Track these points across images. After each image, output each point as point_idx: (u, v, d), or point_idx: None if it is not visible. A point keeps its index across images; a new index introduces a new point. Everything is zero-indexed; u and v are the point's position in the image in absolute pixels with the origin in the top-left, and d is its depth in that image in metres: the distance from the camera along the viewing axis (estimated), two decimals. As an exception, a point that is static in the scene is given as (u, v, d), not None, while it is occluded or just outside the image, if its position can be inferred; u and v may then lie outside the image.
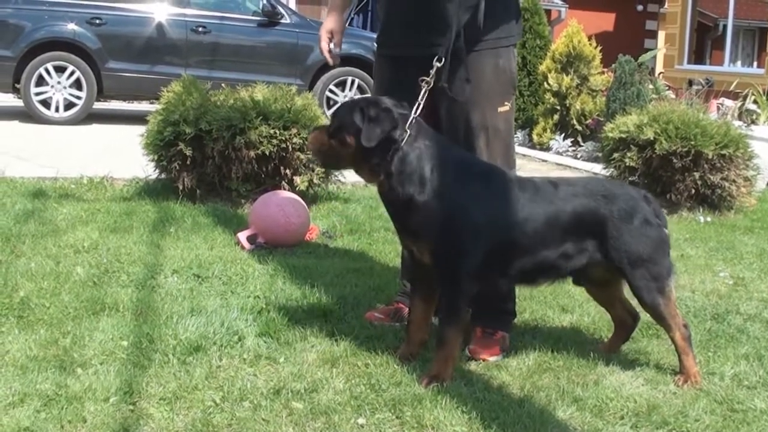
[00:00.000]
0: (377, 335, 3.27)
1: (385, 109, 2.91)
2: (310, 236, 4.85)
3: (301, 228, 4.74)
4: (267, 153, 5.39)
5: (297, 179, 5.51)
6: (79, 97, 9.73)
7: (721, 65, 16.90)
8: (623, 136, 6.38)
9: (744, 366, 3.15)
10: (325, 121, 5.77)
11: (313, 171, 5.60)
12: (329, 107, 10.12)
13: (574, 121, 9.24)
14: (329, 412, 2.62)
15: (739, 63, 20.72)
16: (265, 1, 10.41)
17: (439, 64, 3.10)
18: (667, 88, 10.57)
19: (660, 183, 6.26)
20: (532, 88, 10.01)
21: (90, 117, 9.95)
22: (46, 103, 9.67)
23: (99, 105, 10.58)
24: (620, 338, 3.31)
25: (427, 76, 3.08)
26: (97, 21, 9.75)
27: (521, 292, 3.63)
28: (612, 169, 6.55)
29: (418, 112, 2.98)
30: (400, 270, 3.68)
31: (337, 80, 10.30)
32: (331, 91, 10.34)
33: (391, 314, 3.49)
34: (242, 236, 4.59)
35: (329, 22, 3.55)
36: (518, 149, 8.77)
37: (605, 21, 21.06)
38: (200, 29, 10.07)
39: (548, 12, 17.91)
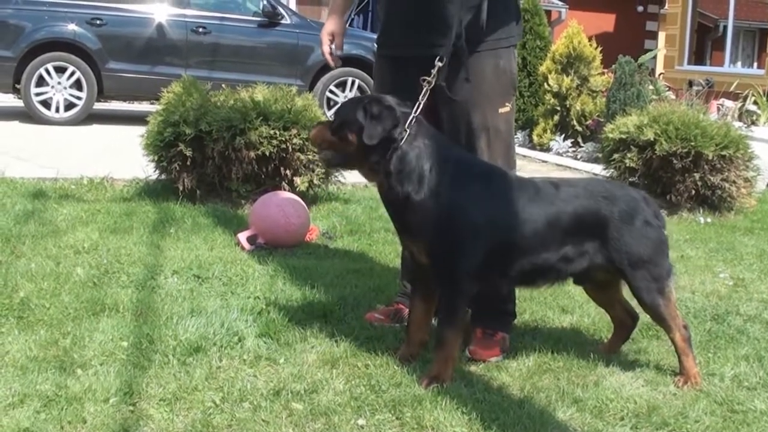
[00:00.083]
0: (377, 336, 3.27)
1: (387, 107, 2.91)
2: (310, 237, 4.85)
3: (301, 229, 4.74)
4: (267, 154, 5.39)
5: (297, 180, 5.51)
6: (79, 98, 9.73)
7: (722, 66, 16.91)
8: (623, 136, 6.38)
9: (744, 367, 3.15)
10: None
11: (313, 172, 5.60)
12: (329, 108, 10.12)
13: (575, 122, 9.24)
14: (329, 413, 2.62)
15: (739, 64, 20.72)
16: (265, 2, 10.41)
17: (440, 64, 3.10)
18: (667, 88, 10.58)
19: (660, 184, 6.26)
20: (533, 89, 10.01)
21: (90, 117, 9.95)
22: (46, 104, 9.67)
23: (99, 105, 10.58)
24: (620, 339, 3.31)
25: (428, 76, 3.08)
26: (98, 21, 9.75)
27: (521, 293, 3.63)
28: (612, 170, 6.55)
29: (418, 111, 2.98)
30: (400, 271, 3.68)
31: (337, 81, 10.31)
32: (331, 91, 10.34)
33: (391, 315, 3.49)
34: (242, 237, 4.59)
35: (330, 24, 3.56)
36: (518, 150, 8.78)
37: (605, 22, 21.06)
38: (200, 30, 10.07)
39: (548, 13, 17.91)
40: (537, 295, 3.85)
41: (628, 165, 6.30)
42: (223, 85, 6.00)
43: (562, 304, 3.80)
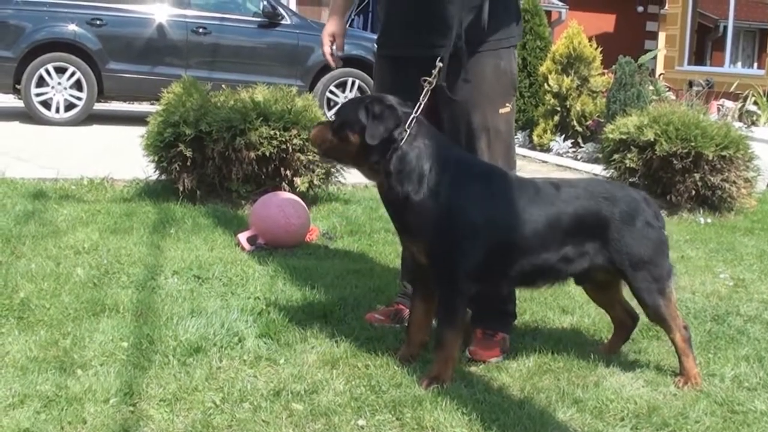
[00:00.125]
0: (377, 336, 3.27)
1: (389, 106, 2.91)
2: (311, 237, 4.85)
3: (302, 229, 4.74)
4: (267, 154, 5.39)
5: (297, 180, 5.51)
6: (79, 98, 9.73)
7: (722, 66, 16.91)
8: (623, 137, 6.38)
9: (744, 367, 3.15)
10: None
11: (313, 172, 5.60)
12: (330, 108, 10.12)
13: (575, 123, 9.23)
14: (329, 414, 2.62)
15: (739, 64, 20.72)
16: (265, 2, 10.41)
17: (441, 65, 3.10)
18: (667, 89, 10.58)
19: (660, 184, 6.26)
20: (533, 90, 10.01)
21: (90, 118, 9.95)
22: (46, 104, 9.67)
23: (99, 106, 10.58)
24: (620, 339, 3.31)
25: (428, 77, 3.08)
26: (98, 22, 9.75)
27: (521, 293, 3.63)
28: (612, 171, 6.55)
29: (419, 111, 2.97)
30: (401, 271, 3.68)
31: (337, 81, 10.31)
32: (331, 92, 10.34)
33: (391, 315, 3.49)
34: (242, 237, 4.59)
35: (330, 25, 3.56)
36: (519, 150, 8.78)
37: (606, 22, 21.06)
38: (201, 30, 10.07)
39: (548, 13, 17.92)
40: (537, 296, 3.85)
41: (628, 165, 6.30)
42: (224, 86, 6.00)
43: (563, 305, 3.80)
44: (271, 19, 10.35)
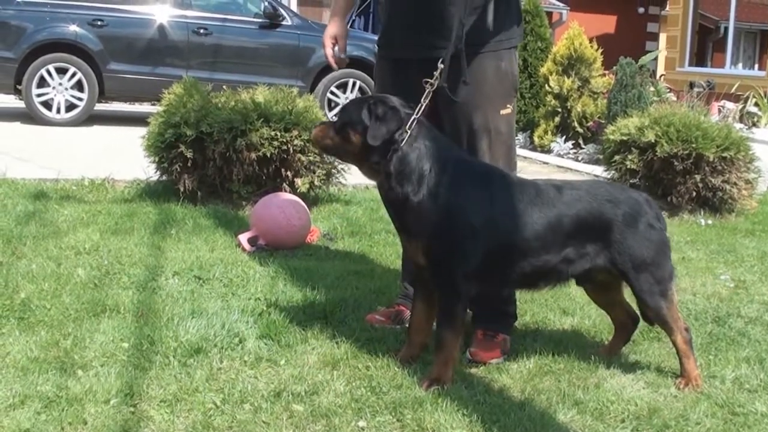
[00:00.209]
0: (378, 338, 3.27)
1: (392, 107, 2.92)
2: (311, 238, 4.85)
3: (302, 230, 4.74)
4: (268, 155, 5.39)
5: (298, 181, 5.52)
6: (80, 99, 9.73)
7: (723, 68, 16.91)
8: (624, 138, 6.38)
9: (745, 369, 3.15)
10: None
11: (314, 173, 5.60)
12: (330, 109, 10.13)
13: (575, 124, 9.23)
14: (330, 415, 2.62)
15: (740, 65, 20.72)
16: (266, 3, 10.41)
17: (442, 66, 3.10)
18: (668, 90, 10.58)
19: (661, 185, 6.26)
20: (533, 91, 10.01)
21: (91, 118, 9.95)
22: (47, 105, 9.67)
23: (100, 106, 10.58)
24: (620, 340, 3.31)
25: (428, 78, 3.08)
26: (99, 23, 9.76)
27: (522, 294, 3.62)
28: (613, 172, 6.55)
29: (420, 112, 2.97)
30: (401, 272, 3.68)
31: (338, 82, 10.31)
32: (332, 93, 10.35)
33: (392, 317, 3.49)
34: (243, 238, 4.59)
35: (332, 27, 3.56)
36: (519, 151, 8.78)
37: (606, 23, 21.07)
38: (202, 31, 10.07)
39: (549, 14, 17.93)
40: (538, 297, 3.85)
41: (629, 167, 6.30)
42: (224, 87, 6.00)
43: (563, 306, 3.80)
44: (272, 20, 10.35)
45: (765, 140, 7.90)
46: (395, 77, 3.36)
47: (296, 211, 4.72)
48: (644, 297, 3.01)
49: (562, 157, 9.14)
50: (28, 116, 9.69)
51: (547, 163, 8.90)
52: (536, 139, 9.60)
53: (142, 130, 5.82)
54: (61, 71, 9.65)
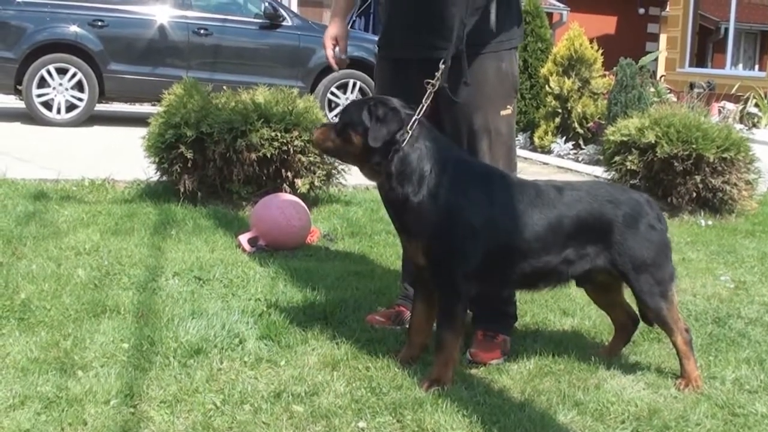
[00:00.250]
0: (378, 338, 3.27)
1: (392, 109, 2.92)
2: (311, 239, 4.85)
3: (302, 231, 4.74)
4: (268, 155, 5.39)
5: (298, 182, 5.51)
6: (80, 99, 9.73)
7: (723, 68, 16.92)
8: (624, 139, 6.38)
9: (745, 370, 3.15)
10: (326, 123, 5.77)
11: (314, 174, 5.60)
12: (331, 110, 10.14)
13: (576, 124, 9.23)
14: (330, 416, 2.62)
15: (740, 66, 20.73)
16: (266, 4, 10.42)
17: (444, 66, 3.10)
18: (668, 91, 10.59)
19: (661, 186, 6.26)
20: (534, 91, 10.00)
21: (91, 119, 9.95)
22: (47, 105, 9.67)
23: (100, 107, 10.58)
24: (620, 341, 3.31)
25: (428, 79, 3.08)
26: (99, 23, 9.76)
27: (522, 295, 3.62)
28: (613, 173, 6.55)
29: (421, 113, 2.98)
30: (401, 273, 3.68)
31: (338, 83, 10.31)
32: (332, 93, 10.35)
33: (392, 317, 3.49)
34: (243, 239, 4.59)
35: (333, 28, 3.56)
36: (519, 152, 8.78)
37: (607, 24, 21.08)
38: (202, 31, 10.07)
39: (550, 15, 17.93)
40: (538, 298, 3.85)
41: (629, 167, 6.30)
42: (225, 87, 6.00)
43: (563, 307, 3.80)
44: (272, 21, 10.35)
45: (765, 141, 7.91)
46: (395, 78, 3.36)
47: (296, 212, 4.72)
48: (644, 298, 3.01)
49: (563, 158, 9.14)
50: (29, 116, 9.69)
51: (548, 164, 8.90)
52: (536, 140, 9.60)
53: (142, 131, 5.82)
54: (62, 71, 9.65)
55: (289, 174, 5.51)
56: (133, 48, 9.90)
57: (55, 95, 9.67)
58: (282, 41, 10.37)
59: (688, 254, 5.01)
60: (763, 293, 4.25)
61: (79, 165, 6.63)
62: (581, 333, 3.54)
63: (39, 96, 9.61)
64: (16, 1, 9.63)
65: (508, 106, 3.35)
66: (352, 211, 5.69)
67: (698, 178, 6.15)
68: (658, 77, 13.93)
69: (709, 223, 6.07)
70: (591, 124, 9.18)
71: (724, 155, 6.14)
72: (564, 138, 9.32)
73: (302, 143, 5.44)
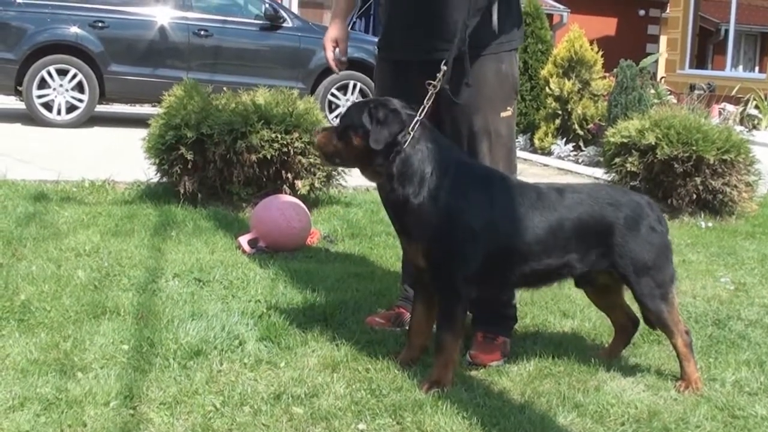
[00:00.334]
0: (378, 340, 3.27)
1: (393, 110, 2.92)
2: (312, 240, 4.85)
3: (303, 232, 4.74)
4: (268, 157, 5.39)
5: (298, 183, 5.51)
6: (81, 100, 9.73)
7: (723, 70, 16.92)
8: (625, 140, 6.38)
9: (745, 372, 3.15)
10: (326, 125, 5.77)
11: (314, 175, 5.60)
12: (331, 111, 10.14)
13: (576, 126, 9.23)
14: (330, 418, 2.62)
15: (740, 68, 20.73)
16: (267, 5, 10.42)
17: (445, 68, 3.10)
18: (668, 92, 10.59)
19: (661, 188, 6.26)
20: (534, 93, 10.01)
21: (92, 120, 9.95)
22: (48, 106, 9.67)
23: (101, 108, 10.58)
24: (621, 343, 3.31)
25: (428, 80, 3.08)
26: (100, 24, 9.76)
27: (522, 297, 3.62)
28: (613, 174, 6.55)
29: (423, 115, 2.97)
30: (402, 275, 3.67)
31: (339, 84, 10.31)
32: (333, 95, 10.35)
33: (392, 319, 3.49)
34: (243, 240, 4.59)
35: (333, 30, 3.56)
36: (520, 154, 8.78)
37: (607, 25, 21.09)
38: (202, 33, 10.08)
39: (550, 16, 17.94)
40: (538, 300, 3.85)
41: (629, 169, 6.30)
42: (225, 88, 6.00)
43: (563, 309, 3.80)
44: (272, 22, 10.36)
45: (765, 143, 7.90)
46: (395, 79, 3.36)
47: (296, 214, 4.72)
48: (645, 300, 3.01)
49: (563, 160, 9.14)
50: (29, 117, 9.69)
51: (548, 166, 8.90)
52: (537, 142, 9.60)
53: (142, 132, 5.82)
54: (62, 73, 9.65)
55: (289, 175, 5.51)
56: (134, 49, 9.90)
57: (56, 96, 9.67)
58: (282, 42, 10.38)
59: (688, 256, 5.01)
60: (763, 295, 4.25)
61: (80, 166, 6.63)
62: (581, 335, 3.54)
63: (39, 97, 9.61)
64: (16, 2, 9.64)
65: (508, 108, 3.35)
66: (352, 213, 5.69)
67: (698, 180, 6.15)
68: (658, 79, 13.93)
69: (710, 224, 6.07)
70: (591, 125, 9.19)
71: (725, 157, 6.14)
72: (564, 139, 9.32)
73: (302, 145, 5.45)
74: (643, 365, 3.21)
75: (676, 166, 6.11)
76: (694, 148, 6.07)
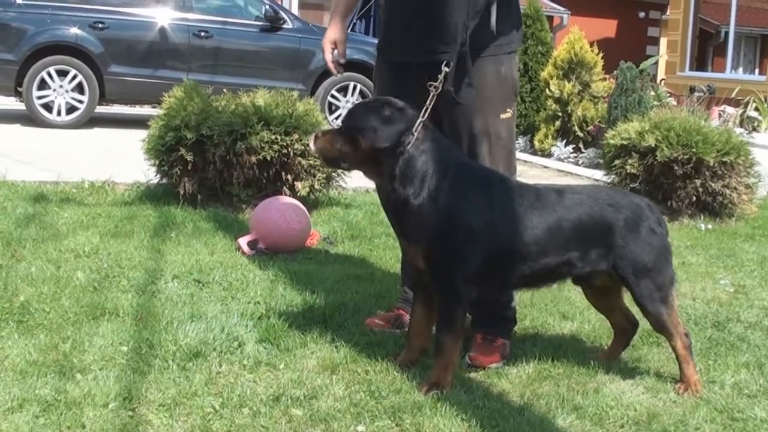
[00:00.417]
0: (377, 342, 3.27)
1: (399, 108, 2.92)
2: (311, 242, 4.85)
3: (302, 234, 4.74)
4: (268, 158, 5.39)
5: (298, 184, 5.51)
6: (81, 101, 9.73)
7: (723, 72, 16.92)
8: (624, 143, 6.38)
9: (744, 374, 3.14)
10: (326, 126, 5.78)
11: (314, 177, 5.60)
12: (331, 112, 10.14)
13: (576, 128, 9.23)
14: (329, 419, 2.61)
15: (740, 70, 20.73)
16: (267, 6, 10.42)
17: (447, 69, 3.10)
18: (668, 95, 10.59)
19: (661, 190, 6.26)
20: (534, 95, 10.01)
21: (92, 121, 9.95)
22: (48, 107, 9.67)
23: (101, 109, 10.58)
24: (620, 345, 3.31)
25: (428, 82, 3.08)
26: (100, 25, 9.76)
27: (521, 299, 3.62)
28: (613, 176, 6.55)
29: (425, 116, 2.97)
30: (401, 276, 3.67)
31: (339, 85, 10.31)
32: (333, 96, 10.35)
33: (391, 321, 3.49)
34: (243, 241, 4.59)
35: (332, 31, 3.55)
36: (520, 155, 8.78)
37: (607, 27, 21.10)
38: (203, 34, 10.08)
39: (550, 18, 17.96)
40: (537, 301, 3.85)
41: (629, 171, 6.30)
42: (225, 90, 6.00)
43: (563, 311, 3.80)
44: (273, 23, 10.36)
45: (765, 145, 7.91)
46: (395, 81, 3.35)
47: (296, 215, 4.72)
48: (644, 303, 3.01)
49: (563, 161, 9.14)
50: (29, 118, 9.70)
51: (548, 167, 8.90)
52: (536, 143, 9.61)
53: (142, 133, 5.83)
54: (62, 73, 9.65)
55: (289, 177, 5.51)
56: (134, 50, 9.91)
57: (56, 97, 9.67)
58: (282, 44, 10.38)
59: (687, 258, 5.01)
60: (763, 297, 4.25)
61: (79, 167, 6.63)
62: (580, 337, 3.54)
63: (39, 98, 9.61)
64: (16, 3, 9.64)
65: (508, 110, 3.35)
66: (352, 214, 5.68)
67: (698, 182, 6.15)
68: (658, 81, 13.94)
69: (709, 227, 6.07)
70: (591, 127, 9.19)
71: (724, 159, 6.14)
72: (564, 141, 9.32)
73: (302, 146, 5.44)
74: (643, 367, 3.21)
75: (675, 168, 6.11)
76: (693, 150, 6.07)
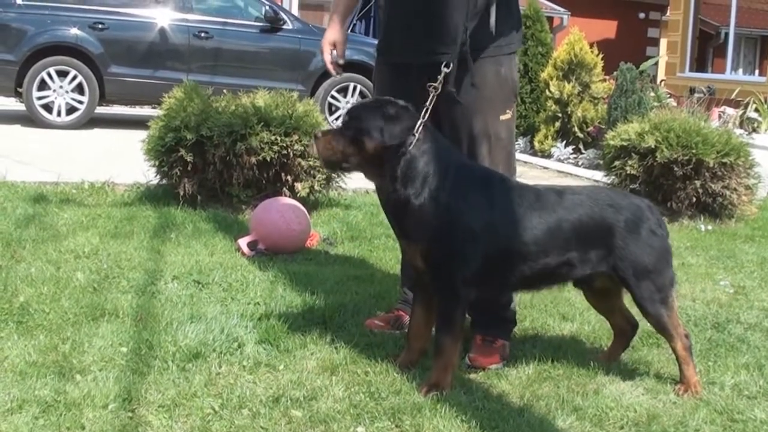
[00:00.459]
0: (377, 343, 3.26)
1: (403, 107, 2.92)
2: (311, 243, 4.85)
3: (302, 234, 4.74)
4: (268, 159, 5.39)
5: (298, 185, 5.52)
6: (81, 102, 9.73)
7: (723, 73, 16.92)
8: (624, 143, 6.38)
9: (744, 376, 3.14)
10: (326, 127, 5.77)
11: (314, 177, 5.60)
12: (331, 113, 10.14)
13: (576, 129, 9.24)
14: (328, 421, 2.61)
15: (740, 71, 20.73)
16: (267, 7, 10.43)
17: (447, 70, 3.10)
18: (668, 96, 10.59)
19: (661, 191, 6.26)
20: (534, 96, 10.01)
21: (92, 121, 9.95)
22: (48, 108, 9.67)
23: (101, 109, 10.58)
24: (619, 347, 3.30)
25: (428, 83, 3.08)
26: (100, 26, 9.77)
27: (521, 300, 3.62)
28: (613, 177, 6.55)
29: (426, 117, 2.97)
30: (401, 277, 3.67)
31: (339, 86, 10.31)
32: (333, 97, 10.35)
33: (391, 322, 3.49)
34: (243, 242, 4.59)
35: (331, 32, 3.55)
36: (519, 156, 8.78)
37: (607, 28, 21.10)
38: (203, 34, 10.08)
39: (550, 19, 17.96)
40: (537, 303, 3.85)
41: (629, 172, 6.30)
42: (225, 90, 6.00)
43: (563, 312, 3.80)
44: (272, 24, 10.36)
45: (765, 146, 7.91)
46: (395, 82, 3.35)
47: (296, 216, 4.72)
48: (645, 304, 3.01)
49: (563, 162, 9.14)
50: (29, 119, 9.70)
51: (548, 168, 8.90)
52: (536, 144, 9.61)
53: (142, 134, 5.83)
54: (62, 74, 9.66)
55: (288, 178, 5.51)
56: (134, 51, 9.91)
57: (56, 98, 9.67)
58: (282, 44, 10.38)
59: (687, 259, 5.01)
60: (763, 298, 4.25)
61: (79, 168, 6.63)
62: (580, 338, 3.54)
63: (39, 98, 9.61)
64: (16, 4, 9.64)
65: (508, 111, 3.35)
66: (351, 215, 5.69)
67: (698, 183, 6.15)
68: (658, 82, 13.94)
69: (709, 228, 6.07)
70: (591, 128, 9.19)
71: (724, 160, 6.14)
72: (564, 142, 9.32)
73: (302, 147, 5.45)
74: (642, 368, 3.21)
75: (675, 169, 6.11)
76: (693, 151, 6.07)
